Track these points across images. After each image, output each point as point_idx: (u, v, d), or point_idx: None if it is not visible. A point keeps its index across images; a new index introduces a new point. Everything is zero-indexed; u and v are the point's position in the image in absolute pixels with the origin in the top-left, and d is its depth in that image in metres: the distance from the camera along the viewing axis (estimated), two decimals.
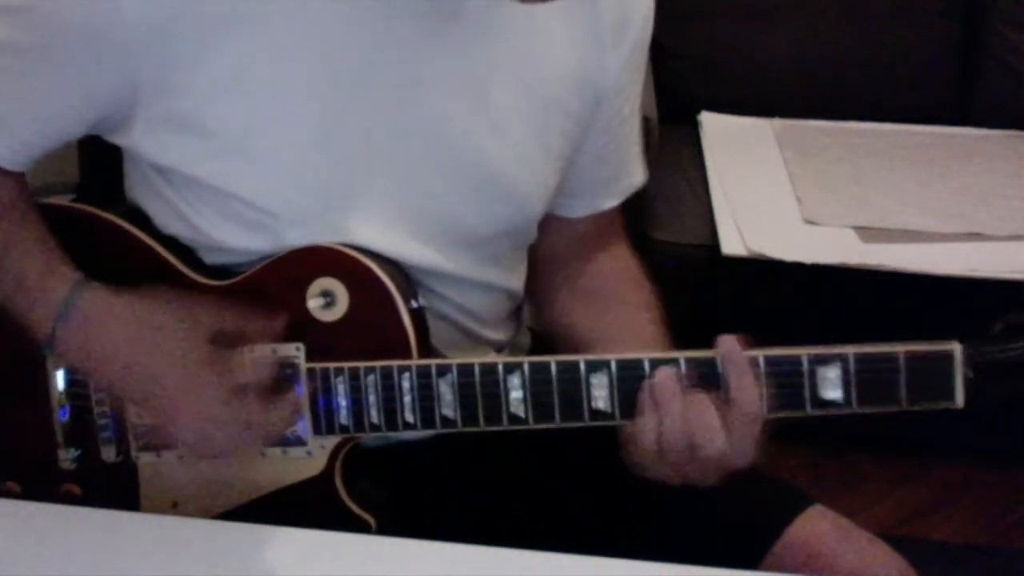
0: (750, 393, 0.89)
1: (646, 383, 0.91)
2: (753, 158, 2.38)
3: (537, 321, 1.22)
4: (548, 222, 1.15)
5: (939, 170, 2.34)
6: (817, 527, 1.04)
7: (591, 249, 1.18)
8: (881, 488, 2.26)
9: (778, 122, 2.56)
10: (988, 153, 2.43)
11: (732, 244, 2.00)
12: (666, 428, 0.90)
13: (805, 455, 2.20)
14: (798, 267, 1.93)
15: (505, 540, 0.92)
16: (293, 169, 0.96)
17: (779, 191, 2.22)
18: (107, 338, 0.94)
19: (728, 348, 0.90)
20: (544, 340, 1.21)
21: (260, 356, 0.95)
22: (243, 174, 0.96)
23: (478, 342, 1.11)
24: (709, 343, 0.92)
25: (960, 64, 2.58)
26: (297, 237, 0.98)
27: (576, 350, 1.08)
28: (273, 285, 0.98)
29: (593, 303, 1.15)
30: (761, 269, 1.96)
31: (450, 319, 1.07)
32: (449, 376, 0.94)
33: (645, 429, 0.91)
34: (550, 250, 1.18)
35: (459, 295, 1.07)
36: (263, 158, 0.95)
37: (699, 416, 0.89)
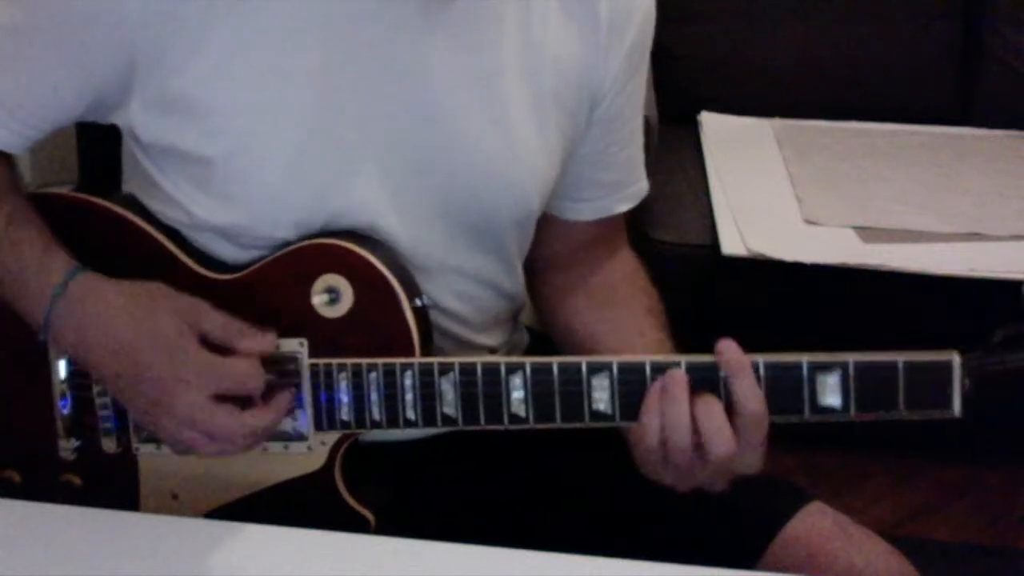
0: (752, 395, 0.89)
1: (656, 384, 0.91)
2: (753, 158, 2.38)
3: (542, 324, 1.22)
4: (554, 226, 1.15)
5: (939, 170, 2.34)
6: (816, 524, 1.04)
7: (599, 254, 1.18)
8: (881, 488, 2.26)
9: (778, 122, 2.56)
10: (988, 153, 2.44)
11: (732, 244, 1.99)
12: (670, 429, 0.90)
13: (805, 455, 2.19)
14: (798, 267, 1.93)
15: (504, 540, 0.91)
16: (286, 149, 0.96)
17: (779, 191, 2.23)
18: (99, 320, 0.94)
19: (729, 352, 0.90)
20: (543, 339, 1.21)
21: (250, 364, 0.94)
22: (235, 155, 0.96)
23: (471, 347, 1.10)
24: (709, 343, 0.91)
25: (960, 64, 2.58)
26: (286, 218, 0.98)
27: (580, 351, 1.08)
28: (277, 280, 0.98)
29: (602, 305, 1.14)
30: (761, 269, 1.96)
31: (441, 327, 1.06)
32: (451, 375, 0.94)
33: (649, 430, 0.91)
34: (556, 255, 1.18)
35: (451, 295, 1.06)
36: (256, 139, 0.96)
37: (706, 417, 0.89)
